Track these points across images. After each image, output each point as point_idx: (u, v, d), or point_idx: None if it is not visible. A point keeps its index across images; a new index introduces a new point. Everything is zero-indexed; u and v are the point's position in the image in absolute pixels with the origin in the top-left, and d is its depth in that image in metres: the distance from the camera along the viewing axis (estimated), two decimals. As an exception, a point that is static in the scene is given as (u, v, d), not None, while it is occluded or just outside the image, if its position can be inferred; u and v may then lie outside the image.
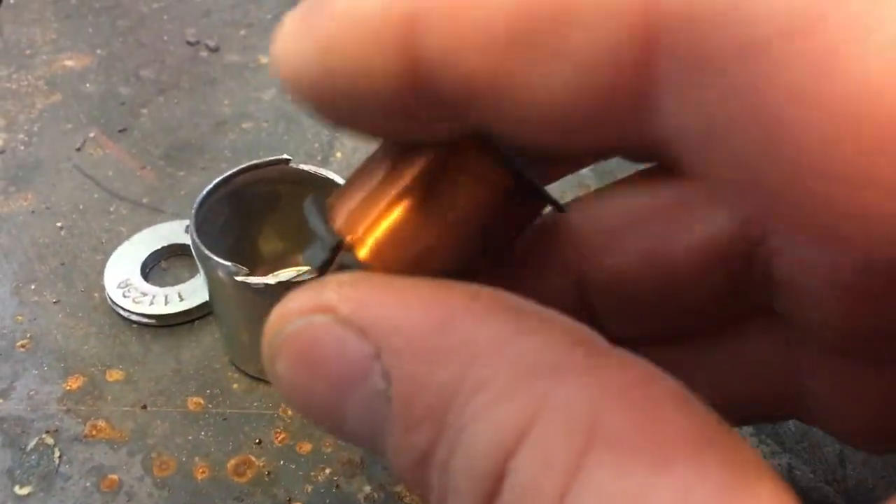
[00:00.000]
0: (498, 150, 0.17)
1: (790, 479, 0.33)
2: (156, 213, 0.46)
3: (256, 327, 0.39)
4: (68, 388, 0.37)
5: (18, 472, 0.34)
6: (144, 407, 0.36)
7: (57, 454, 0.34)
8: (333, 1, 0.14)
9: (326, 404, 0.16)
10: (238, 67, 0.57)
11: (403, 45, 0.13)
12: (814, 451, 0.33)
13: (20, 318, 0.40)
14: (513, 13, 0.12)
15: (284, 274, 0.34)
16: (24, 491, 0.33)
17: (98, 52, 0.59)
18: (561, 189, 0.45)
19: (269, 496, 0.33)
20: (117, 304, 0.40)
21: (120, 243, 0.43)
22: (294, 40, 0.15)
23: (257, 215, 0.40)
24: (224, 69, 0.57)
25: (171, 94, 0.55)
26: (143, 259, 0.42)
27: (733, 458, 0.12)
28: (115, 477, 0.34)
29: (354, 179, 0.18)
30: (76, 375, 0.37)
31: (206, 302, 0.39)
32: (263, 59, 0.58)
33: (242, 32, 0.61)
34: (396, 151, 0.17)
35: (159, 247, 0.43)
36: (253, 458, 0.34)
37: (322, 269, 0.17)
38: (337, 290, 0.15)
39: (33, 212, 0.46)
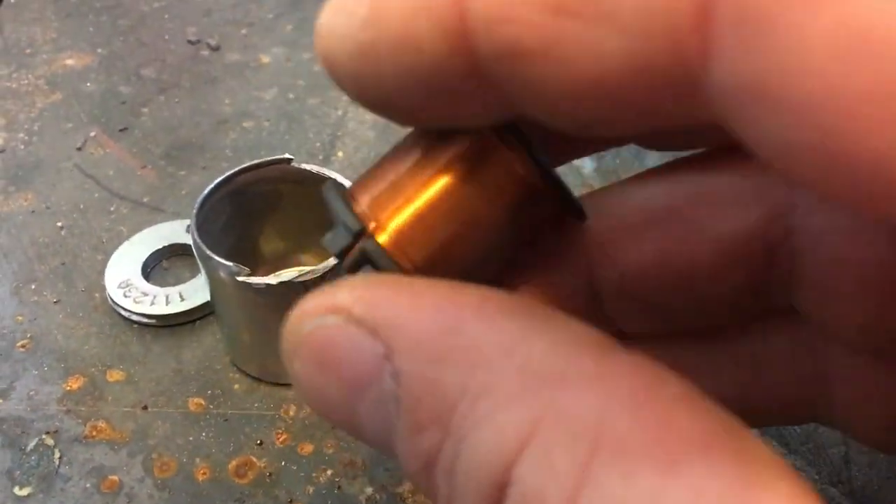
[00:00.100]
0: (530, 148, 0.17)
1: (795, 480, 0.33)
2: (157, 213, 0.46)
3: (258, 327, 0.39)
4: (68, 388, 0.37)
5: (18, 472, 0.33)
6: (145, 407, 0.36)
7: (57, 455, 0.34)
8: None
9: (341, 404, 0.16)
10: (239, 66, 0.57)
11: (451, 12, 0.13)
12: (819, 452, 0.33)
13: (20, 318, 0.40)
14: None
15: (286, 274, 0.34)
16: (24, 492, 0.33)
17: (99, 51, 0.58)
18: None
19: (271, 497, 0.33)
20: (118, 304, 0.40)
21: (120, 243, 0.43)
22: (340, 14, 0.14)
23: (259, 215, 0.39)
24: (225, 68, 0.57)
25: (172, 94, 0.55)
26: (143, 259, 0.42)
27: (748, 458, 0.12)
28: (115, 478, 0.33)
29: (380, 166, 0.17)
30: (76, 376, 0.37)
31: (207, 302, 0.39)
32: (264, 58, 0.58)
33: (243, 31, 0.61)
34: (427, 141, 0.17)
35: (160, 246, 0.43)
36: (254, 459, 0.34)
37: (342, 255, 0.17)
38: (350, 291, 0.15)
39: (33, 211, 0.46)
